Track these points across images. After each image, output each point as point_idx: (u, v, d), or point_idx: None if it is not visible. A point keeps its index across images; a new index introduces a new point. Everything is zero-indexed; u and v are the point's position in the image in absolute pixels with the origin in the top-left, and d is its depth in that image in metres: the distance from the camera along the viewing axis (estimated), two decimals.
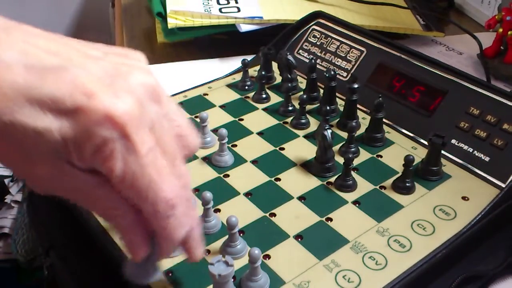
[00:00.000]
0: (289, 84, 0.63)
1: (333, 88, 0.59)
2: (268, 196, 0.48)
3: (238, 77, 0.67)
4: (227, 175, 0.51)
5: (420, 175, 0.50)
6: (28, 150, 0.28)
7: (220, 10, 0.80)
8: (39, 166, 0.29)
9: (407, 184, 0.48)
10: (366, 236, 0.44)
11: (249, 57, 0.67)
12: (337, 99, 0.60)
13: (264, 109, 0.61)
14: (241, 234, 0.44)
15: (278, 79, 0.66)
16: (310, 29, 0.70)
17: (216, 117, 0.59)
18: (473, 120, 0.52)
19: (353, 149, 0.53)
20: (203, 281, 0.39)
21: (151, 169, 0.30)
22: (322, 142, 0.50)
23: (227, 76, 0.68)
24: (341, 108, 0.58)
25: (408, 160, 0.47)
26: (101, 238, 0.44)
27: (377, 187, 0.49)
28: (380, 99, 0.53)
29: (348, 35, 0.66)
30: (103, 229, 0.44)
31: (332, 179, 0.50)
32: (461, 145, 0.52)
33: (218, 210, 0.47)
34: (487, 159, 0.50)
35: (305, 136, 0.56)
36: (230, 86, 0.66)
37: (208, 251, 0.43)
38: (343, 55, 0.65)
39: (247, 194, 0.48)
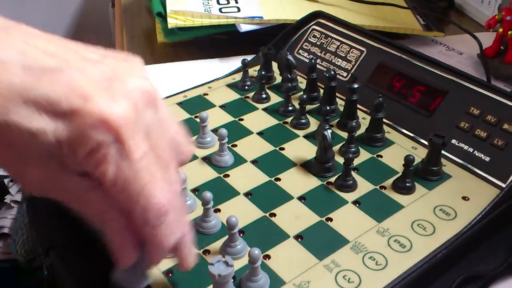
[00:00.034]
0: (289, 84, 0.63)
1: (333, 88, 0.59)
2: (268, 196, 0.48)
3: (238, 77, 0.67)
4: (227, 175, 0.51)
5: (420, 175, 0.50)
6: (22, 151, 0.28)
7: (220, 10, 0.80)
8: (32, 167, 0.29)
9: (407, 184, 0.48)
10: (366, 236, 0.44)
11: (249, 57, 0.67)
12: (337, 99, 0.60)
13: (264, 109, 0.61)
14: (241, 234, 0.44)
15: (278, 79, 0.66)
16: (310, 29, 0.70)
17: (216, 117, 0.59)
18: (473, 120, 0.52)
19: (353, 149, 0.53)
20: (203, 281, 0.39)
21: (144, 175, 0.30)
22: (322, 142, 0.50)
23: (227, 76, 0.68)
24: (341, 108, 0.58)
25: (408, 160, 0.47)
26: (101, 238, 0.44)
27: (377, 187, 0.49)
28: (380, 99, 0.53)
29: (348, 35, 0.66)
30: None
31: (332, 179, 0.50)
32: (461, 145, 0.52)
33: (218, 210, 0.47)
34: (487, 159, 0.50)
35: (305, 136, 0.56)
36: (230, 86, 0.65)
37: (208, 251, 0.43)
38: (343, 55, 0.65)
39: (247, 194, 0.48)
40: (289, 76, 0.63)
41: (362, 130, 0.56)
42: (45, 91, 0.27)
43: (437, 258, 0.42)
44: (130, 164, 0.29)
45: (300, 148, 0.54)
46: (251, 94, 0.63)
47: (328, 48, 0.67)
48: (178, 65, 0.79)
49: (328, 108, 0.58)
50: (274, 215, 0.46)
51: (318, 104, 0.61)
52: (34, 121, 0.27)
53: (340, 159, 0.51)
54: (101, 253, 0.35)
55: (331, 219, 0.45)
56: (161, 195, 0.31)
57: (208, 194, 0.43)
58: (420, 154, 0.52)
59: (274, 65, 0.67)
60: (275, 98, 0.63)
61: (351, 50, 0.65)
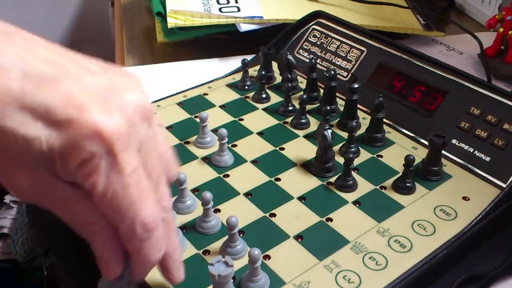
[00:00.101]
0: (289, 84, 0.63)
1: (333, 88, 0.58)
2: (268, 196, 0.48)
3: (238, 77, 0.66)
4: (227, 175, 0.51)
5: (420, 175, 0.50)
6: (14, 156, 0.28)
7: (220, 9, 0.80)
8: (22, 173, 0.29)
9: (408, 184, 0.48)
10: (366, 237, 0.44)
11: (249, 57, 0.67)
12: (337, 99, 0.60)
13: (264, 109, 0.61)
14: (241, 235, 0.44)
15: (278, 79, 0.66)
16: (310, 28, 0.70)
17: (216, 117, 0.59)
18: (474, 120, 0.52)
19: (353, 149, 0.53)
20: (203, 282, 0.39)
21: (133, 190, 0.30)
22: (322, 142, 0.49)
23: (227, 76, 0.68)
24: (341, 108, 0.58)
25: (408, 160, 0.47)
26: None
27: (378, 187, 0.49)
28: (381, 99, 0.53)
29: (348, 34, 0.66)
30: None
31: (332, 179, 0.50)
32: (462, 145, 0.52)
33: (218, 210, 0.47)
34: (487, 159, 0.50)
35: (305, 136, 0.56)
36: (230, 86, 0.65)
37: (208, 252, 0.43)
38: (344, 55, 0.65)
39: (247, 194, 0.48)
40: (289, 76, 0.63)
41: (362, 130, 0.56)
42: (42, 99, 0.27)
43: (437, 258, 0.42)
44: (120, 177, 0.29)
45: (300, 148, 0.54)
46: (251, 94, 0.63)
47: (328, 48, 0.67)
48: (178, 65, 0.79)
49: (328, 108, 0.58)
50: (274, 215, 0.46)
51: (318, 104, 0.61)
52: (29, 127, 0.27)
53: (340, 159, 0.51)
54: None
55: (331, 219, 0.45)
56: (149, 211, 0.31)
57: (208, 194, 0.43)
58: (420, 154, 0.52)
59: (274, 65, 0.67)
60: (275, 98, 0.63)
61: (351, 50, 0.65)
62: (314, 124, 0.58)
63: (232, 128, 0.55)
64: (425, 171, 0.50)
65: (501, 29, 0.76)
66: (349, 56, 0.65)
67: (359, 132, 0.56)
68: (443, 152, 0.50)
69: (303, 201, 0.47)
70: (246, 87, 0.64)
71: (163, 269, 0.36)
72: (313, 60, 0.61)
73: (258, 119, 0.59)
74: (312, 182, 0.50)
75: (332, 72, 0.58)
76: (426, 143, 0.52)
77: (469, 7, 0.95)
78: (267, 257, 0.42)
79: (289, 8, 0.83)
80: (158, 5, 0.83)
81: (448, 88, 0.55)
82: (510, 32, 0.75)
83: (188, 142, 0.55)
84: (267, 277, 0.39)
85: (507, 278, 0.45)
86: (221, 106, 0.61)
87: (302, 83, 0.64)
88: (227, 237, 0.42)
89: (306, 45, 0.69)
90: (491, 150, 0.50)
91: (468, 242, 0.44)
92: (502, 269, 0.45)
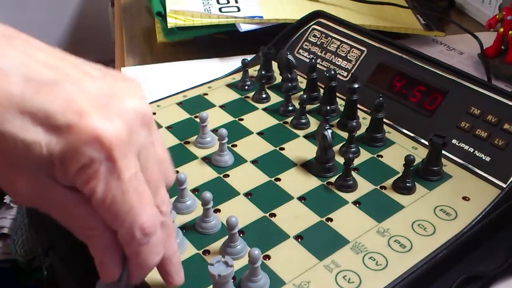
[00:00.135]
0: (289, 84, 0.63)
1: (334, 88, 0.58)
2: (268, 196, 0.48)
3: (238, 77, 0.66)
4: (227, 175, 0.51)
5: (420, 175, 0.50)
6: (13, 161, 0.28)
7: (220, 9, 0.80)
8: (22, 177, 0.29)
9: (408, 184, 0.48)
10: (366, 237, 0.44)
11: (249, 57, 0.66)
12: (337, 99, 0.60)
13: (264, 109, 0.61)
14: (241, 235, 0.44)
15: (278, 79, 0.66)
16: (311, 28, 0.70)
17: (216, 117, 0.59)
18: (474, 120, 0.52)
19: (353, 149, 0.53)
20: (203, 282, 0.39)
21: (132, 195, 0.30)
22: (322, 142, 0.49)
23: (227, 76, 0.68)
24: (342, 108, 0.58)
25: (408, 160, 0.47)
26: None
27: (378, 187, 0.49)
28: (381, 99, 0.53)
29: (348, 34, 0.66)
30: None
31: (333, 179, 0.50)
32: (462, 145, 0.52)
33: (218, 210, 0.46)
34: (488, 159, 0.50)
35: (305, 136, 0.56)
36: (230, 86, 0.65)
37: (208, 252, 0.43)
38: (344, 55, 0.65)
39: (247, 194, 0.48)
40: (289, 76, 0.63)
41: (362, 130, 0.56)
42: (42, 104, 0.27)
43: (438, 259, 0.42)
44: (119, 183, 0.29)
45: (300, 148, 0.54)
46: (251, 94, 0.63)
47: (328, 47, 0.67)
48: (177, 65, 0.79)
49: (328, 108, 0.58)
50: (274, 215, 0.46)
51: (318, 104, 0.61)
52: (29, 132, 0.27)
53: (340, 159, 0.51)
54: None
55: (331, 219, 0.45)
56: (147, 216, 0.31)
57: (208, 194, 0.43)
58: (420, 154, 0.52)
59: (274, 65, 0.67)
60: (275, 98, 0.63)
61: (352, 49, 0.65)
62: (314, 124, 0.57)
63: (232, 128, 0.55)
64: (425, 171, 0.50)
65: (501, 29, 0.76)
66: (349, 56, 0.65)
67: (359, 132, 0.56)
68: (443, 152, 0.50)
69: (303, 201, 0.47)
70: (246, 87, 0.64)
71: (163, 273, 0.36)
72: (313, 60, 0.61)
73: (258, 119, 0.59)
74: (312, 182, 0.50)
75: (332, 72, 0.58)
76: (426, 143, 0.52)
77: (469, 7, 0.95)
78: (267, 257, 0.42)
79: (289, 8, 0.83)
80: (158, 5, 0.83)
81: (448, 88, 0.55)
82: (510, 32, 0.75)
83: (188, 142, 0.55)
84: (267, 277, 0.39)
85: (507, 278, 0.45)
86: (221, 106, 0.61)
87: (302, 83, 0.64)
88: (227, 237, 0.42)
89: (306, 45, 0.69)
90: (491, 150, 0.50)
91: (468, 242, 0.44)
92: (502, 269, 0.45)
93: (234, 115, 0.60)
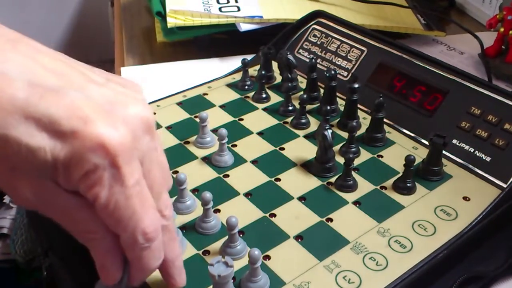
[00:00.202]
0: (289, 84, 0.63)
1: (334, 87, 0.58)
2: (268, 197, 0.48)
3: (238, 76, 0.66)
4: (227, 175, 0.51)
5: (421, 175, 0.50)
6: (17, 165, 0.28)
7: (220, 9, 0.80)
8: (24, 182, 0.29)
9: (408, 184, 0.48)
10: (366, 237, 0.44)
11: (249, 57, 0.66)
12: (337, 99, 0.60)
13: (264, 109, 0.61)
14: (241, 235, 0.44)
15: (278, 78, 0.66)
16: (311, 28, 0.70)
17: (216, 117, 0.59)
18: (474, 120, 0.52)
19: (353, 149, 0.52)
20: (203, 282, 0.39)
21: (135, 201, 0.30)
22: (322, 142, 0.49)
23: (227, 75, 0.68)
24: (342, 108, 0.58)
25: (409, 160, 0.47)
26: None
27: (378, 187, 0.49)
28: (381, 99, 0.53)
29: (348, 34, 0.66)
30: None
31: (333, 179, 0.50)
32: (462, 145, 0.52)
33: (218, 211, 0.46)
34: (488, 159, 0.50)
35: (305, 136, 0.56)
36: (230, 85, 0.65)
37: (208, 252, 0.43)
38: (344, 55, 0.65)
39: (247, 194, 0.48)
40: (289, 75, 0.63)
41: (362, 130, 0.56)
42: (47, 110, 0.28)
43: (438, 259, 0.42)
44: (123, 189, 0.29)
45: (300, 148, 0.54)
46: (251, 94, 0.63)
47: (328, 47, 0.67)
48: (177, 65, 0.78)
49: (328, 108, 0.58)
50: (274, 215, 0.46)
51: (318, 104, 0.60)
52: (33, 137, 0.27)
53: (340, 159, 0.51)
54: None
55: (331, 220, 0.45)
56: (150, 222, 0.31)
57: (208, 195, 0.43)
58: (420, 154, 0.52)
59: (274, 65, 0.67)
60: (275, 98, 0.63)
61: (352, 49, 0.65)
62: (314, 124, 0.57)
63: (232, 128, 0.55)
64: (425, 171, 0.50)
65: (502, 29, 0.76)
66: (350, 56, 0.64)
67: (359, 132, 0.56)
68: (443, 152, 0.49)
69: (303, 201, 0.47)
70: (246, 87, 0.64)
71: (166, 275, 0.36)
72: (313, 60, 0.61)
73: (258, 119, 0.59)
74: (312, 182, 0.50)
75: (332, 72, 0.58)
76: (427, 143, 0.52)
77: (469, 6, 0.95)
78: (267, 257, 0.42)
79: (289, 8, 0.83)
80: (158, 5, 0.83)
81: (448, 88, 0.55)
82: (510, 32, 0.75)
83: (188, 142, 0.55)
84: (267, 277, 0.39)
85: (508, 278, 0.45)
86: (221, 106, 0.61)
87: (302, 83, 0.64)
88: (227, 237, 0.42)
89: (306, 44, 0.69)
90: (491, 150, 0.50)
91: (469, 242, 0.44)
92: (503, 270, 0.45)
93: (234, 115, 0.60)
